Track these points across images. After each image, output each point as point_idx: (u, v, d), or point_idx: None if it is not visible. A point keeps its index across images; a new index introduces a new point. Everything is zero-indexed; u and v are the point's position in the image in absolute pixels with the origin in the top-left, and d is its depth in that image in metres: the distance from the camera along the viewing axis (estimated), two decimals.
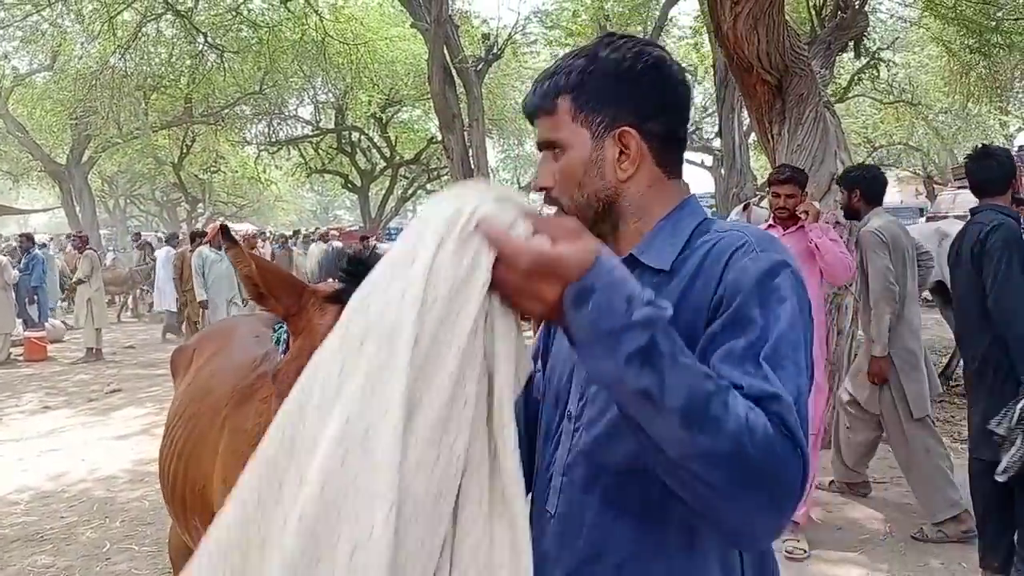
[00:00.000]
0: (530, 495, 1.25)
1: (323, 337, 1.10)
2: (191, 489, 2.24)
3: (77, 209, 22.76)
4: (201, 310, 9.76)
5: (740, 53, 5.34)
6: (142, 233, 22.14)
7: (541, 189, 1.25)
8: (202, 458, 2.16)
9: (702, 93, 24.80)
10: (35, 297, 12.87)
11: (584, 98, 1.18)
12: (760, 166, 20.15)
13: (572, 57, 1.23)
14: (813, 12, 9.01)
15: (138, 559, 4.51)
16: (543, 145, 1.24)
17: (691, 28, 16.95)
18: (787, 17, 5.50)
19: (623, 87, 1.18)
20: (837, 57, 9.38)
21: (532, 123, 1.27)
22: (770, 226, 4.35)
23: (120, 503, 5.46)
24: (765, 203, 5.55)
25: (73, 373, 10.16)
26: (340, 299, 1.24)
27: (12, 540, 4.86)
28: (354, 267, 1.28)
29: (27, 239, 13.27)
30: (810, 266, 4.04)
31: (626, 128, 1.17)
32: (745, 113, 11.05)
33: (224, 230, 1.30)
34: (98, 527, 5.04)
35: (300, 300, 1.22)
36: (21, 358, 11.77)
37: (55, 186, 25.11)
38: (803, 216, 4.23)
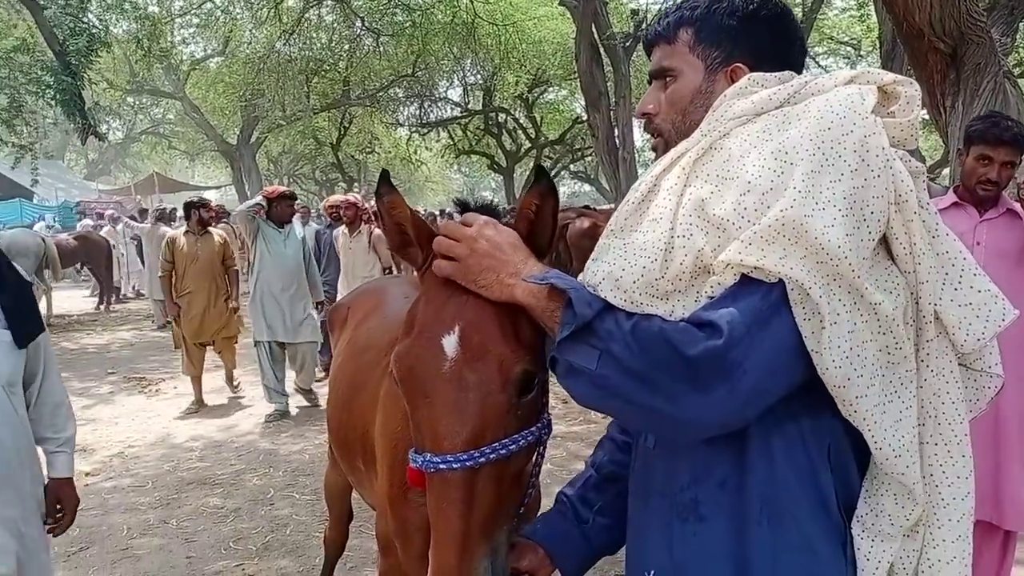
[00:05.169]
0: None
1: (442, 285, 1.21)
2: (354, 433, 2.42)
3: (246, 187, 24.37)
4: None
5: (911, 20, 5.01)
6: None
7: (644, 114, 1.29)
8: (365, 405, 2.31)
9: (866, 66, 23.37)
10: None
11: (705, 31, 1.22)
12: (929, 146, 18.79)
13: None
14: None
15: (298, 506, 4.85)
16: (656, 74, 1.28)
17: None
18: None
19: (744, 26, 1.21)
20: (1020, 25, 8.60)
21: (649, 55, 1.30)
22: (954, 204, 3.09)
23: (283, 455, 5.87)
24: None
25: (242, 336, 10.94)
26: None
27: (189, 482, 5.35)
28: (461, 207, 1.38)
29: None
30: None
31: (740, 66, 1.20)
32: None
33: (384, 176, 1.35)
34: (263, 475, 5.45)
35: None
36: None
37: (227, 165, 27.01)
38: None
